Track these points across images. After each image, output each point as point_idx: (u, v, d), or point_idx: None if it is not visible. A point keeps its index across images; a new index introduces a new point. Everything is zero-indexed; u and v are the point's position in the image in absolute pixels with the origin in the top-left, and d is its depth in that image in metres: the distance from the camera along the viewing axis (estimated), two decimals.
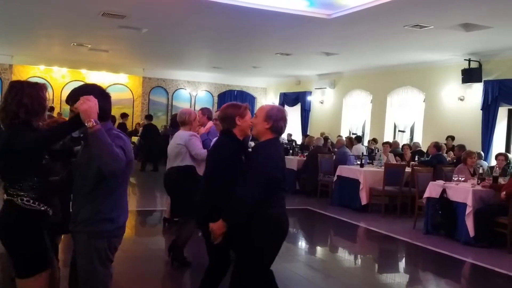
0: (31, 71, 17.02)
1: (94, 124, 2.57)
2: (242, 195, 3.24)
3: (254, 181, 3.24)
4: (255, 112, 3.56)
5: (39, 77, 16.87)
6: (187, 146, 5.39)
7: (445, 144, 11.93)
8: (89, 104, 2.60)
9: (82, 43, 12.96)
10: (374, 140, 13.32)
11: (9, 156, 2.93)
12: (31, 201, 2.95)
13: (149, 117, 15.41)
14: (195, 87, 19.77)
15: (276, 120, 3.40)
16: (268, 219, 3.34)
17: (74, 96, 2.79)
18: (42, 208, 3.01)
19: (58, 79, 17.39)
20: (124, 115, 15.50)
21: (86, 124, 2.58)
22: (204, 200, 3.57)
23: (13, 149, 2.87)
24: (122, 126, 14.37)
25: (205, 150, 5.39)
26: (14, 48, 14.97)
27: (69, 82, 17.33)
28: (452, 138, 11.80)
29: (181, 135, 5.49)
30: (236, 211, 3.28)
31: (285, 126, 3.48)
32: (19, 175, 2.95)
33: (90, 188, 2.80)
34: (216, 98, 20.08)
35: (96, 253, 2.82)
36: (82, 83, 16.37)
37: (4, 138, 2.94)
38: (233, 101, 3.91)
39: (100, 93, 2.84)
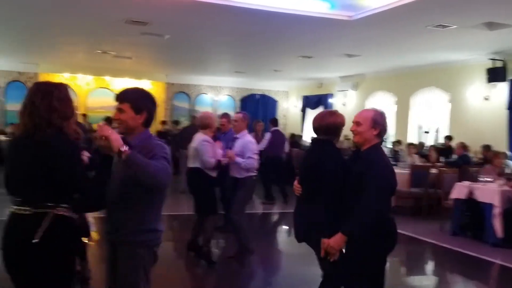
0: (56, 79, 17.27)
1: (126, 149, 2.46)
2: (368, 207, 3.12)
3: (378, 191, 3.14)
4: (354, 119, 3.43)
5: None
6: (198, 150, 5.61)
7: (442, 144, 11.91)
8: (116, 133, 2.51)
9: (106, 51, 13.16)
10: (398, 142, 13.20)
11: (52, 172, 2.61)
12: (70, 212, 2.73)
13: (175, 122, 15.87)
14: (217, 92, 19.87)
15: (383, 124, 3.35)
16: (384, 227, 3.29)
17: (126, 94, 2.80)
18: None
19: (83, 86, 17.67)
20: (163, 122, 16.38)
21: (120, 150, 2.46)
22: (314, 216, 3.41)
23: (60, 169, 2.62)
24: (163, 134, 14.73)
25: (213, 160, 5.62)
26: (39, 56, 15.28)
27: (94, 89, 17.60)
28: (449, 137, 11.86)
29: (198, 138, 5.72)
30: (362, 224, 3.15)
31: None
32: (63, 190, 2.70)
33: (133, 199, 2.76)
34: (238, 102, 20.15)
35: (140, 263, 2.82)
36: (106, 90, 16.82)
37: (43, 150, 2.59)
38: (329, 110, 3.87)
39: (151, 99, 2.87)
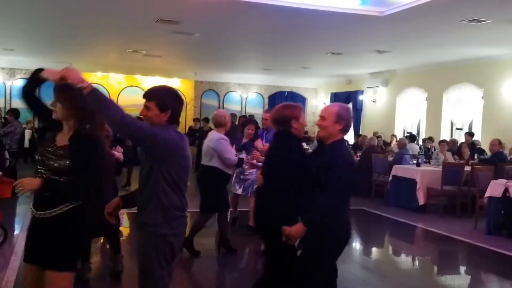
0: (89, 78, 17.58)
1: (86, 85, 2.60)
2: (329, 200, 3.14)
3: (338, 185, 3.14)
4: (320, 113, 3.44)
5: (96, 83, 17.49)
6: (216, 149, 5.61)
7: (462, 142, 11.77)
8: (73, 70, 2.66)
9: (137, 50, 13.34)
10: (430, 139, 13.00)
11: None
12: None
13: (206, 120, 15.89)
14: (246, 89, 19.92)
15: (348, 119, 3.33)
16: (342, 223, 3.27)
17: (152, 93, 2.93)
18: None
19: (115, 85, 17.94)
20: (196, 119, 16.37)
21: (80, 86, 2.61)
22: (271, 206, 3.44)
23: None
24: (195, 131, 14.78)
25: (235, 157, 5.67)
26: (73, 56, 15.59)
27: (125, 87, 17.86)
28: (470, 134, 11.86)
29: (212, 136, 5.75)
30: (322, 216, 3.16)
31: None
32: None
33: (143, 186, 2.91)
34: (266, 100, 20.16)
35: (153, 249, 2.89)
36: (137, 88, 17.05)
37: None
38: (287, 102, 3.87)
39: (176, 98, 2.97)
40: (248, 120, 7.22)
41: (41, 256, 2.81)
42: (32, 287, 2.89)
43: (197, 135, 14.44)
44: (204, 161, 5.77)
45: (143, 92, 2.98)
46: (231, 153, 5.66)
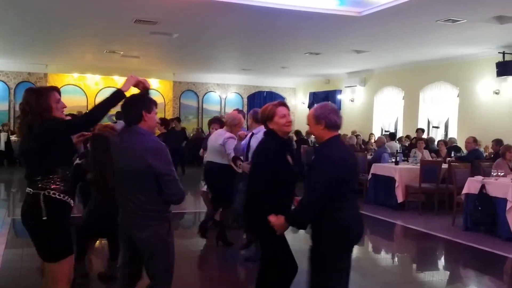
0: (66, 79, 17.42)
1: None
2: (305, 201, 3.24)
3: (315, 186, 3.17)
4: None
5: (73, 84, 17.30)
6: (224, 146, 6.03)
7: (415, 137, 12.12)
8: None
9: (114, 50, 13.21)
10: (407, 137, 13.17)
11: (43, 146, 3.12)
12: (61, 194, 3.13)
13: (178, 120, 15.69)
14: (225, 90, 19.90)
15: (326, 115, 3.28)
16: (337, 222, 3.23)
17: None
18: (68, 200, 3.20)
19: (92, 86, 17.74)
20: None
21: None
22: (251, 202, 3.62)
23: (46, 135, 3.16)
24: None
25: (233, 154, 6.02)
26: (48, 57, 15.36)
27: (102, 88, 17.66)
28: (422, 130, 12.55)
29: (223, 135, 6.14)
30: (299, 217, 3.32)
31: (339, 119, 3.34)
32: (52, 166, 3.13)
33: None
34: (245, 100, 20.16)
35: None
36: (114, 89, 16.87)
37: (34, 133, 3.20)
38: (269, 102, 3.92)
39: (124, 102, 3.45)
40: (213, 119, 7.34)
41: None
42: None
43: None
44: (217, 159, 6.15)
45: None
46: (232, 151, 5.97)
